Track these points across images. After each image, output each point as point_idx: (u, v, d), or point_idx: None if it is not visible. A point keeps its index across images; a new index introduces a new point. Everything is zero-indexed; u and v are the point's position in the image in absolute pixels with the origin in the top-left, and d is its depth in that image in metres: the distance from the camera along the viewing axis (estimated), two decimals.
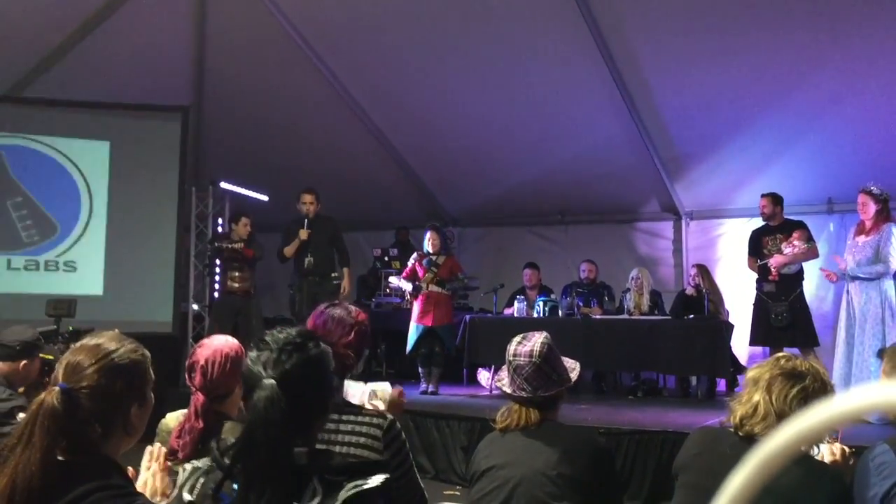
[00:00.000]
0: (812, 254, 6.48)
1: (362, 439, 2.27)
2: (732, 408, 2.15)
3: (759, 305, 6.60)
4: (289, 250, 7.31)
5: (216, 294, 8.49)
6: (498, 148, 8.56)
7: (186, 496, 1.52)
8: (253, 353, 1.56)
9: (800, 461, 2.02)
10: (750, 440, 2.07)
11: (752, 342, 6.68)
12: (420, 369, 7.44)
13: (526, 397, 2.47)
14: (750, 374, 2.18)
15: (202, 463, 1.58)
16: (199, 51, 8.56)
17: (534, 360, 2.45)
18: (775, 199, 6.62)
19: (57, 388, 1.58)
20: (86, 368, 1.63)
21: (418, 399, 6.87)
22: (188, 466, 1.58)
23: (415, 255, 7.63)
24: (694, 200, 8.54)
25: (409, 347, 7.40)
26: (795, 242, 6.38)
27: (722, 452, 2.09)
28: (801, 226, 6.57)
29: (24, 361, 3.32)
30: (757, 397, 2.09)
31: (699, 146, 7.77)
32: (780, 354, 2.24)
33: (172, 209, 8.11)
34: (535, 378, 2.45)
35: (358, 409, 2.34)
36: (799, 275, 6.52)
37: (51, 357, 3.21)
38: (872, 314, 5.65)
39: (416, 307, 7.36)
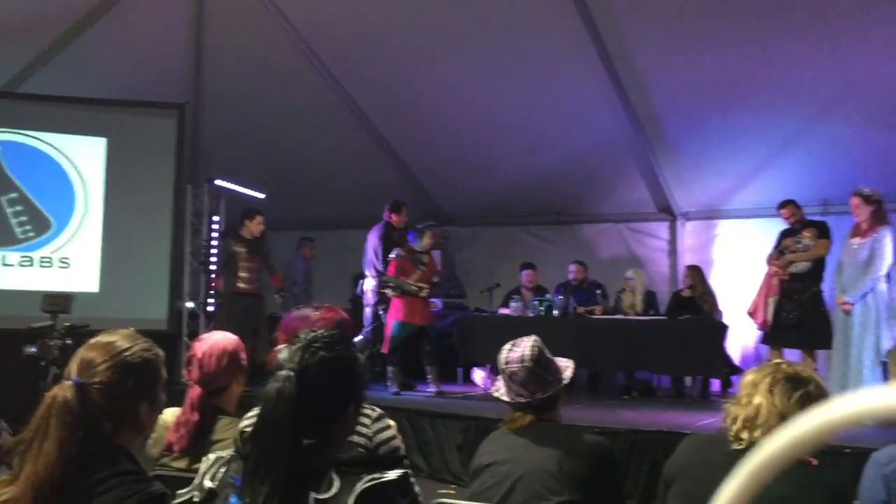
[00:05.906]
0: (813, 254, 6.36)
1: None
2: (730, 411, 2.08)
3: (776, 303, 6.58)
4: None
5: (211, 293, 8.45)
6: (494, 147, 8.56)
7: (208, 483, 1.56)
8: (284, 348, 1.62)
9: (794, 467, 2.00)
10: (744, 449, 2.00)
11: (763, 340, 6.67)
12: (427, 368, 7.14)
13: (525, 402, 2.48)
14: (748, 378, 2.11)
15: (225, 453, 1.63)
16: (196, 48, 8.54)
17: (525, 364, 2.46)
18: (795, 205, 6.55)
19: (69, 382, 1.61)
20: (98, 365, 1.66)
21: (413, 398, 6.87)
22: (211, 457, 1.64)
23: (397, 251, 7.15)
24: (689, 201, 8.56)
25: (390, 345, 6.97)
26: (804, 240, 6.36)
27: (714, 461, 2.05)
28: (814, 224, 6.50)
29: None
30: (758, 400, 2.02)
31: (695, 147, 7.78)
32: (780, 360, 2.22)
33: (168, 206, 8.09)
34: (531, 382, 2.47)
35: None
36: (811, 274, 6.34)
37: None
38: (867, 318, 5.66)
39: (399, 304, 6.97)
